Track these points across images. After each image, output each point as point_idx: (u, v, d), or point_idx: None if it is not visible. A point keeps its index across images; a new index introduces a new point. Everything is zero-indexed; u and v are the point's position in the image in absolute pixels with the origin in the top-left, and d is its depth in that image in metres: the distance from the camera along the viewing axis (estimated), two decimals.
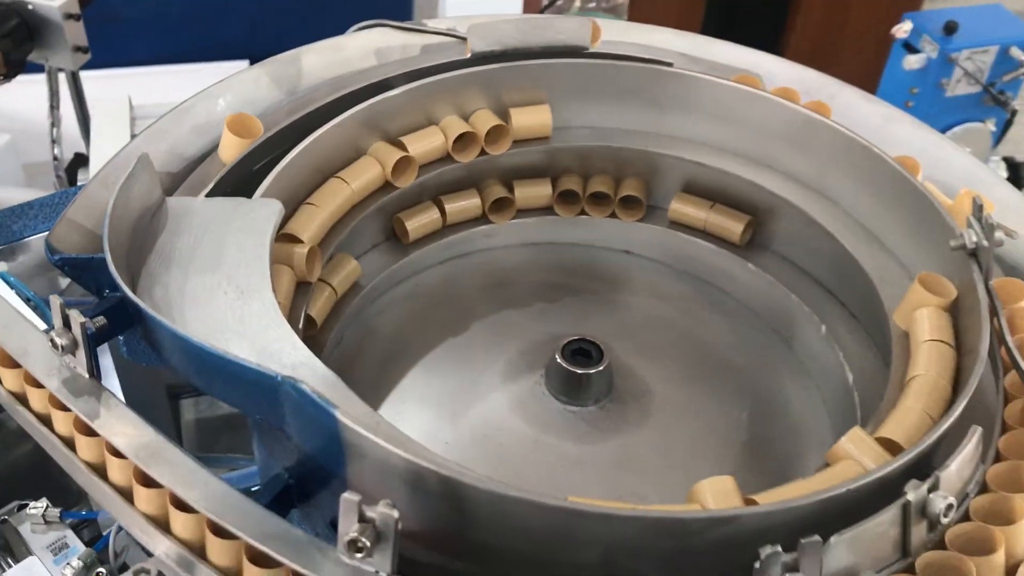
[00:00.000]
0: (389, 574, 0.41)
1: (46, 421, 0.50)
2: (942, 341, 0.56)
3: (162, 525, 0.45)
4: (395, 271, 0.72)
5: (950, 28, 1.33)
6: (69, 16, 1.45)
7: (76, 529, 0.87)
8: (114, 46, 1.68)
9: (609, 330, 0.68)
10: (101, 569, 0.84)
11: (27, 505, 0.87)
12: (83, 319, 0.48)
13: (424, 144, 0.70)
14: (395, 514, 0.39)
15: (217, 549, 0.43)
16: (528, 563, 0.44)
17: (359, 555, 0.40)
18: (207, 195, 0.62)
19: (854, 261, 0.65)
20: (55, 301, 0.48)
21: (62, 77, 1.52)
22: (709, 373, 0.69)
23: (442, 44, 0.80)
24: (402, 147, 0.69)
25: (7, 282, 0.88)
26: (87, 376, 0.49)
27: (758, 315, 0.73)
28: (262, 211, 0.59)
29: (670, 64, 0.74)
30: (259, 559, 0.42)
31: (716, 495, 0.46)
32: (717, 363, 0.70)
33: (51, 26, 1.45)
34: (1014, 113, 1.41)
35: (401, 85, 0.71)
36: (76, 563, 0.82)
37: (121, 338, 0.59)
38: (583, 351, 0.64)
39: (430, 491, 0.42)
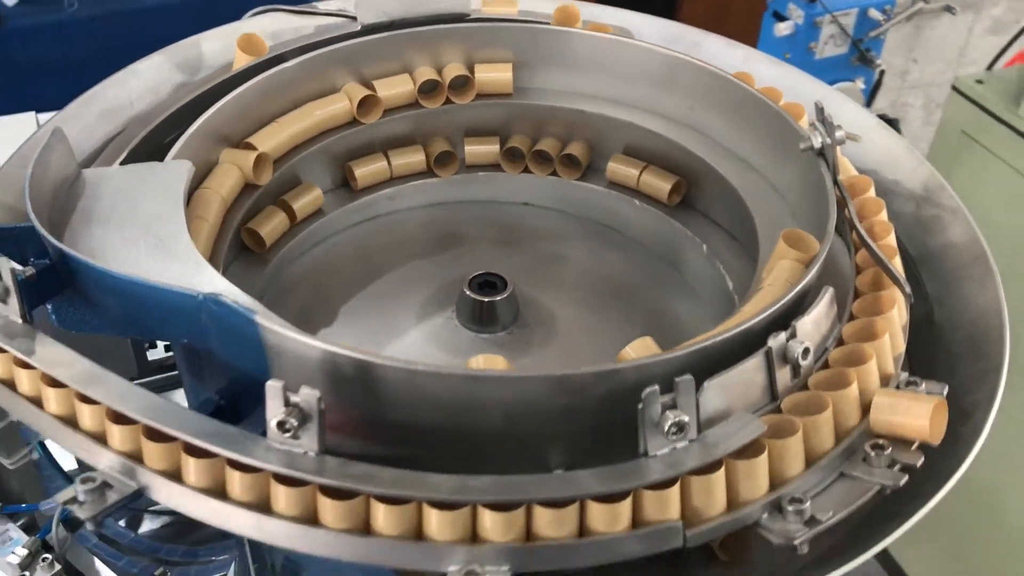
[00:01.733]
0: (317, 452, 0.45)
1: None
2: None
3: (102, 441, 0.48)
4: (313, 231, 0.76)
5: None
6: None
7: (16, 522, 0.89)
8: (21, 93, 1.67)
9: (514, 268, 0.73)
10: (46, 555, 0.86)
11: None
12: (13, 265, 0.51)
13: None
14: (317, 393, 0.44)
15: (156, 454, 0.47)
16: (439, 436, 0.48)
17: (287, 435, 0.44)
18: (121, 163, 0.65)
19: (725, 182, 0.72)
20: None
21: None
22: (607, 300, 0.75)
23: (333, 24, 0.85)
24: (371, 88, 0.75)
25: None
26: (20, 322, 0.52)
27: (647, 247, 0.79)
28: (174, 172, 0.63)
29: (546, 23, 0.80)
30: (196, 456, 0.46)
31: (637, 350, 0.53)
32: (613, 290, 0.76)
33: None
34: (882, 72, 1.51)
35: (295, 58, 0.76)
36: (21, 551, 0.84)
37: (50, 307, 0.62)
38: (489, 283, 0.69)
39: (347, 377, 0.47)
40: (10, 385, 0.52)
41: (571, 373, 0.47)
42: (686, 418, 0.45)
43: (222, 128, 0.69)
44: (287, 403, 0.44)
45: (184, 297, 0.49)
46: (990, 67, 1.81)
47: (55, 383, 0.49)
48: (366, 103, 0.75)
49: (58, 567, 0.85)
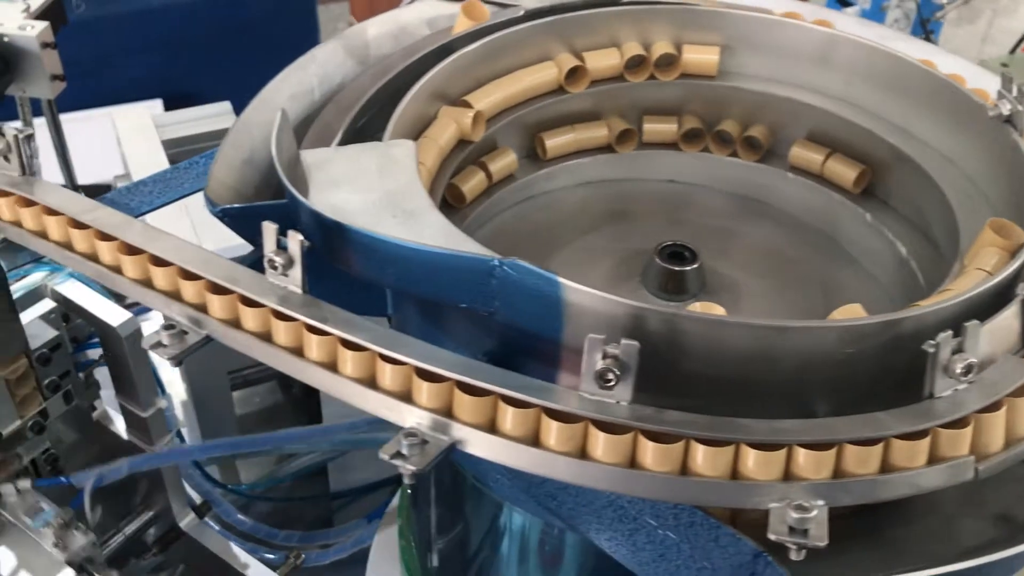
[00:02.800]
0: (629, 402, 0.48)
1: (263, 337, 0.55)
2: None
3: (407, 399, 0.51)
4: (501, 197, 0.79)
5: None
6: (46, 45, 1.47)
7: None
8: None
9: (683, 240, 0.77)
10: (80, 523, 0.88)
11: None
12: (301, 237, 0.54)
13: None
14: (637, 345, 0.47)
15: (468, 407, 0.50)
16: (721, 385, 0.52)
17: (609, 384, 0.47)
18: (339, 144, 0.68)
19: (919, 170, 0.75)
20: (269, 226, 0.54)
21: None
22: (777, 270, 0.78)
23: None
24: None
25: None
26: (300, 292, 0.55)
27: (801, 219, 0.83)
28: (401, 149, 0.65)
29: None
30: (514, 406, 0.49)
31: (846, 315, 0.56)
32: (781, 261, 0.79)
33: (28, 56, 1.47)
34: None
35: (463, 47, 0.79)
36: (56, 521, 0.86)
37: None
38: (677, 253, 0.73)
39: (649, 332, 0.50)
40: (298, 352, 0.54)
41: (861, 322, 0.50)
42: (974, 360, 0.48)
43: (443, 87, 0.73)
44: (605, 355, 0.47)
45: (478, 262, 0.52)
46: (1013, 50, 1.87)
47: (352, 346, 0.52)
48: (575, 73, 0.78)
49: (90, 536, 0.87)
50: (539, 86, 0.78)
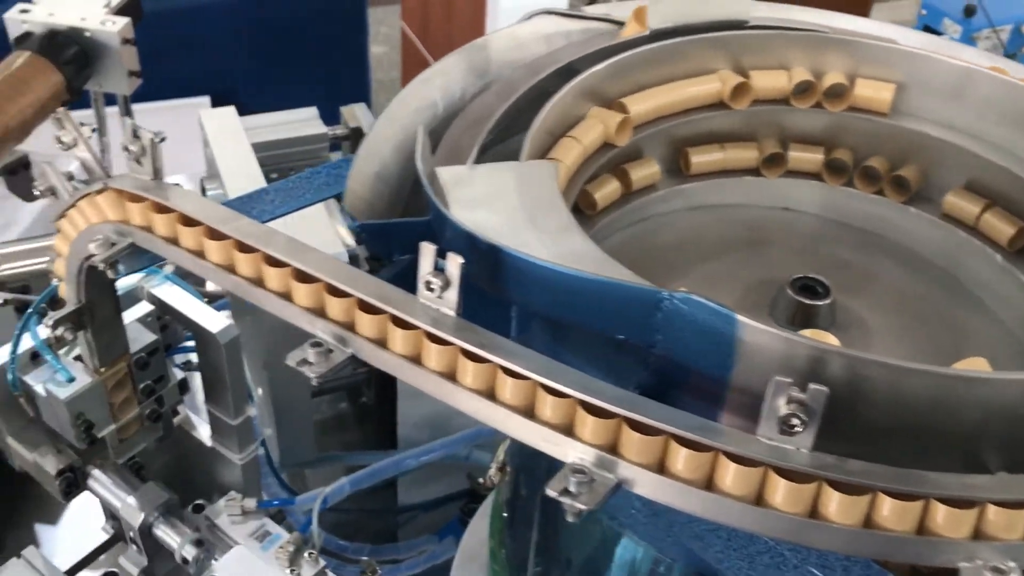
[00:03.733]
0: (809, 450, 0.46)
1: (413, 359, 0.54)
2: None
3: (569, 433, 0.49)
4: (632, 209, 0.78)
5: (970, 11, 1.45)
6: (126, 41, 1.47)
7: (272, 517, 0.90)
8: None
9: (802, 272, 0.75)
10: (311, 550, 0.87)
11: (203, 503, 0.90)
12: (460, 259, 0.52)
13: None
14: (826, 391, 0.45)
15: (636, 445, 0.48)
16: (902, 435, 0.50)
17: (794, 430, 0.46)
18: (474, 162, 0.67)
19: None
20: (428, 247, 0.53)
21: None
22: (901, 306, 0.76)
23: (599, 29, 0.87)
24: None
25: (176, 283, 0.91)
26: (453, 315, 0.53)
27: (926, 257, 0.80)
28: (539, 170, 0.64)
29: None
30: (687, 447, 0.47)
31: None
32: (905, 298, 0.77)
33: (108, 52, 1.47)
34: None
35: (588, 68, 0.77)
36: (289, 546, 0.85)
37: None
38: (809, 287, 0.71)
39: (829, 375, 0.48)
40: (450, 377, 0.53)
41: None
42: None
43: (599, 87, 0.73)
44: (789, 400, 0.46)
45: (646, 294, 0.50)
46: None
47: (512, 374, 0.50)
48: (737, 90, 0.78)
49: (322, 563, 0.87)
50: (698, 98, 0.77)
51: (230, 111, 1.21)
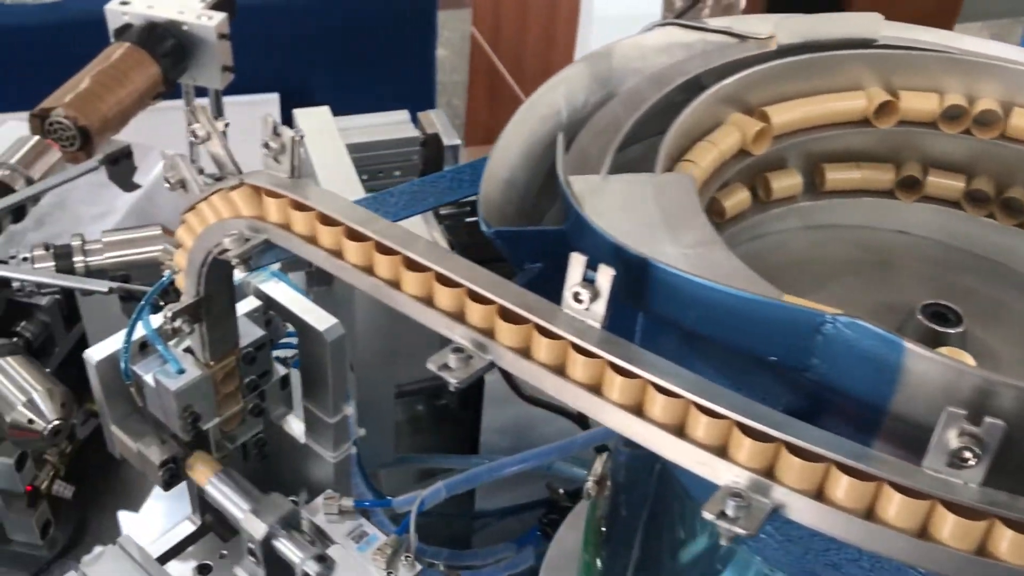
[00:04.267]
0: (979, 485, 0.45)
1: (556, 370, 0.53)
2: None
3: (722, 454, 0.48)
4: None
5: None
6: (222, 36, 1.49)
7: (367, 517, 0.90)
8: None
9: (925, 298, 0.73)
10: (408, 553, 0.87)
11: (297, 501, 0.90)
12: (612, 272, 0.51)
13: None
14: (1003, 425, 0.44)
15: (796, 471, 0.47)
16: None
17: (967, 464, 0.44)
18: (608, 173, 0.66)
19: None
20: (578, 258, 0.52)
21: None
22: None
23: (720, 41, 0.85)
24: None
25: (284, 281, 0.92)
26: (599, 327, 0.53)
27: None
28: (677, 183, 0.63)
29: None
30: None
31: None
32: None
33: (204, 46, 1.49)
34: None
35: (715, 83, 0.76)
36: (387, 548, 0.85)
37: None
38: (939, 314, 0.69)
39: (995, 407, 0.46)
40: (595, 390, 0.52)
41: None
42: None
43: (738, 94, 0.73)
44: (962, 432, 0.44)
45: (806, 316, 0.49)
46: None
47: (664, 391, 0.50)
48: (883, 109, 0.77)
49: (418, 567, 0.87)
50: (841, 113, 0.76)
51: (324, 111, 1.21)
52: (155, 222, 1.16)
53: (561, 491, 1.20)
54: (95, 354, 0.83)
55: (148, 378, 0.82)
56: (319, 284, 1.08)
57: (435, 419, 1.34)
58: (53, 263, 1.04)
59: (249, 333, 0.85)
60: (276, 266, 0.93)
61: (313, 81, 2.63)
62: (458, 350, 0.55)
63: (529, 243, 0.62)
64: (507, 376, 1.13)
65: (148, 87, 1.39)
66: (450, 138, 1.19)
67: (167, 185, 0.70)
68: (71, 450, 1.16)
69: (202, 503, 1.02)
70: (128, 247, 1.06)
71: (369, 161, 1.20)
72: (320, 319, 0.87)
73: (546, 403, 1.16)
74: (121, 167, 1.11)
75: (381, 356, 1.08)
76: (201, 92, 1.52)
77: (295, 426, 1.00)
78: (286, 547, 0.78)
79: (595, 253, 0.56)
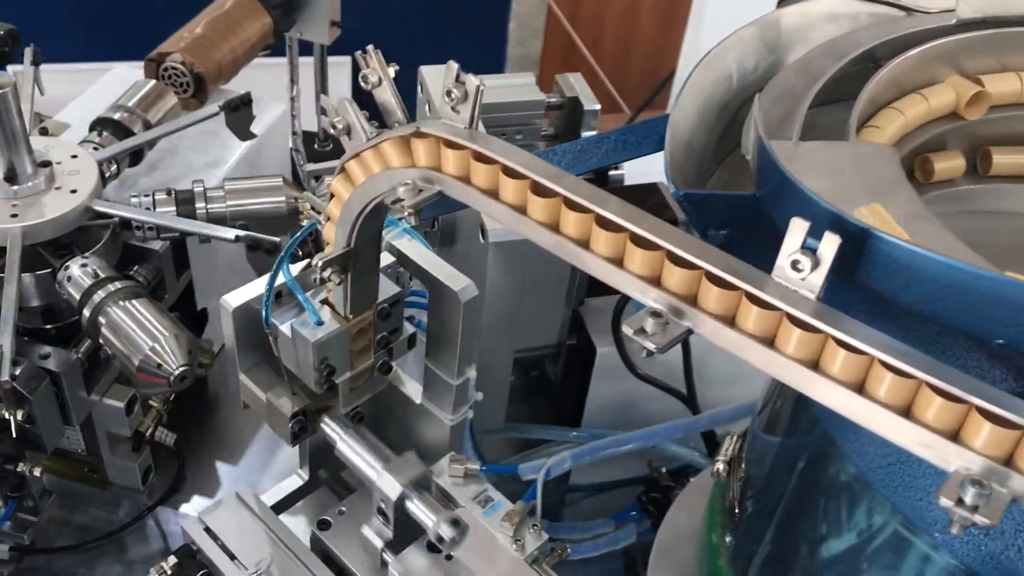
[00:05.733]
0: None
1: (764, 341, 0.51)
2: None
3: (953, 438, 0.46)
4: None
5: None
6: None
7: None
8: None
9: None
10: (535, 523, 0.85)
11: None
12: (838, 240, 0.49)
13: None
14: None
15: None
16: None
17: None
18: (800, 139, 0.63)
19: None
20: (799, 223, 0.49)
21: None
22: None
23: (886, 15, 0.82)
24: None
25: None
26: (814, 298, 0.50)
27: None
28: (877, 152, 0.60)
29: None
30: None
31: None
32: None
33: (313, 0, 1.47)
34: None
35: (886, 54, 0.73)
36: (514, 516, 0.84)
37: None
38: None
39: None
40: (811, 365, 0.49)
41: None
42: None
43: (949, 56, 0.71)
44: None
45: None
46: None
47: (891, 369, 0.47)
48: None
49: (545, 536, 0.85)
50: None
51: (452, 66, 1.19)
52: (262, 173, 1.15)
53: (663, 470, 1.18)
54: (233, 300, 0.82)
55: (285, 328, 0.80)
56: (442, 245, 1.07)
57: (533, 390, 1.33)
58: (174, 208, 1.03)
59: (385, 289, 0.84)
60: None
61: (388, 44, 2.62)
62: (656, 314, 0.52)
63: (719, 207, 0.60)
64: (622, 352, 1.11)
65: (259, 38, 1.38)
66: (589, 103, 1.17)
67: (332, 130, 0.68)
68: (172, 397, 1.16)
69: (312, 457, 1.02)
70: (250, 196, 1.05)
71: (492, 123, 1.18)
72: (455, 279, 0.85)
73: (659, 382, 1.13)
74: (241, 115, 1.10)
75: (503, 321, 1.07)
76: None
77: (410, 386, 0.98)
78: (419, 509, 0.77)
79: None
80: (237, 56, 1.31)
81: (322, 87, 1.56)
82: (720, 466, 0.87)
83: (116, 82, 1.33)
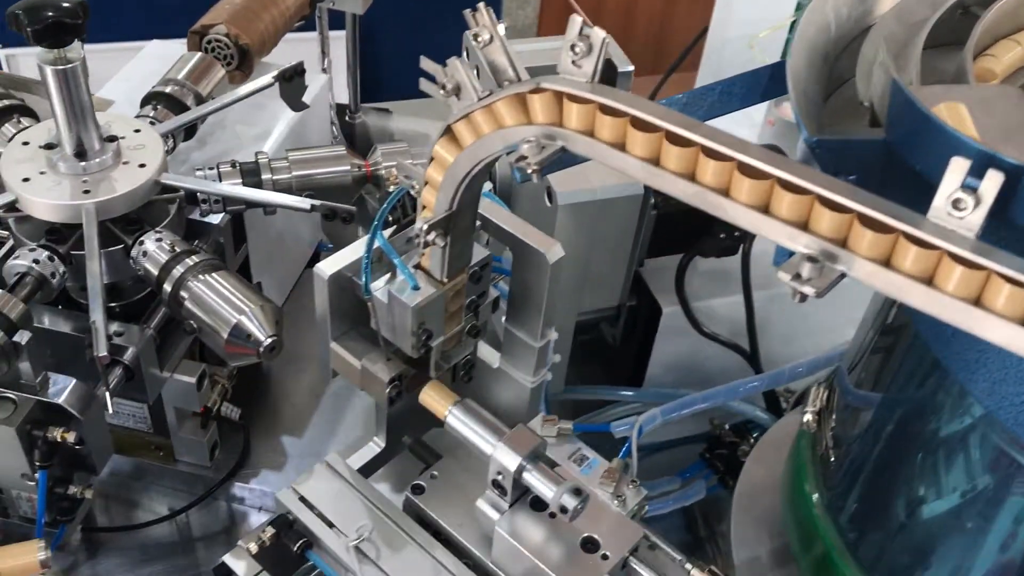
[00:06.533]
0: None
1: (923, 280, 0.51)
2: None
3: None
4: None
5: None
6: None
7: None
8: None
9: None
10: (633, 479, 0.86)
11: None
12: (1001, 177, 0.49)
13: None
14: None
15: None
16: None
17: None
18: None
19: None
20: (960, 162, 0.50)
21: None
22: None
23: None
24: None
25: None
26: (973, 237, 0.50)
27: None
28: (1004, 96, 0.60)
29: None
30: None
31: None
32: None
33: None
34: None
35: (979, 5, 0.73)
36: (614, 473, 0.84)
37: None
38: None
39: None
40: (974, 302, 0.50)
41: None
42: None
43: None
44: None
45: None
46: None
47: None
48: None
49: (644, 492, 0.86)
50: None
51: (576, 20, 1.19)
52: (308, 145, 1.15)
53: (726, 426, 1.19)
54: (326, 268, 0.81)
55: (380, 294, 0.80)
56: None
57: (588, 353, 1.33)
58: (240, 180, 1.03)
59: (476, 252, 0.83)
60: (488, 186, 0.91)
61: (375, 18, 2.60)
62: (812, 259, 0.52)
63: (853, 153, 0.60)
64: (687, 311, 1.11)
65: (296, 8, 1.36)
66: (623, 64, 1.16)
67: (441, 91, 0.67)
68: (236, 371, 1.16)
69: (390, 424, 1.01)
70: (315, 165, 1.04)
71: None
72: (541, 241, 0.85)
73: (724, 340, 1.14)
74: (294, 85, 1.09)
75: (570, 285, 1.07)
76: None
77: (485, 351, 0.99)
78: (538, 480, 0.77)
79: (941, 163, 0.54)
80: (277, 27, 1.29)
81: (354, 58, 1.55)
82: (809, 417, 0.87)
83: (154, 58, 1.31)
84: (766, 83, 0.67)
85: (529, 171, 0.62)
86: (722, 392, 0.97)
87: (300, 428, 1.21)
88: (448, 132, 0.70)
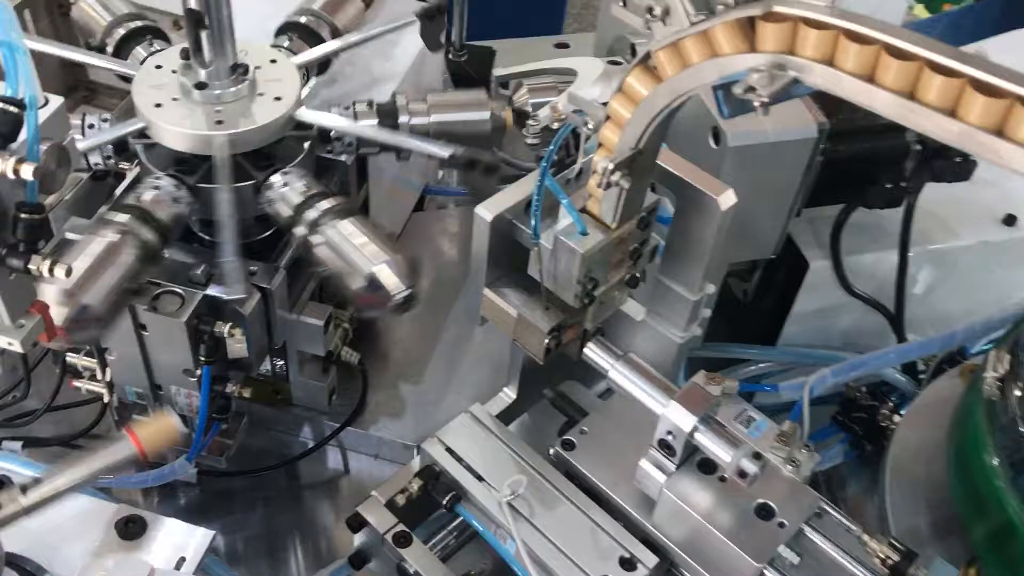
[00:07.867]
0: None
1: None
2: None
3: None
4: None
5: None
6: None
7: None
8: None
9: None
10: (806, 443, 0.81)
11: None
12: None
13: None
14: None
15: None
16: None
17: None
18: None
19: None
20: None
21: None
22: None
23: None
24: None
25: None
26: None
27: None
28: None
29: None
30: None
31: None
32: None
33: None
34: None
35: None
36: (788, 436, 0.79)
37: None
38: None
39: None
40: None
41: None
42: None
43: None
44: None
45: None
46: None
47: None
48: None
49: (817, 457, 0.80)
50: None
51: None
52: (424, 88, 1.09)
53: (864, 389, 1.13)
54: (487, 211, 0.76)
55: (545, 240, 0.75)
56: None
57: (716, 307, 1.27)
58: (375, 120, 0.97)
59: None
60: None
61: None
62: None
63: None
64: (838, 267, 1.06)
65: None
66: None
67: (648, 16, 0.62)
68: (355, 316, 1.12)
69: (522, 376, 0.97)
70: (455, 110, 0.98)
71: None
72: (713, 186, 0.80)
73: (871, 299, 1.08)
74: (435, 24, 1.03)
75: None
76: None
77: (629, 303, 0.93)
78: (712, 442, 0.72)
79: None
80: None
81: None
82: (990, 384, 0.82)
83: None
84: (997, 16, 0.60)
85: (757, 103, 0.57)
86: (893, 353, 0.91)
87: (414, 375, 1.17)
88: (643, 62, 0.65)
